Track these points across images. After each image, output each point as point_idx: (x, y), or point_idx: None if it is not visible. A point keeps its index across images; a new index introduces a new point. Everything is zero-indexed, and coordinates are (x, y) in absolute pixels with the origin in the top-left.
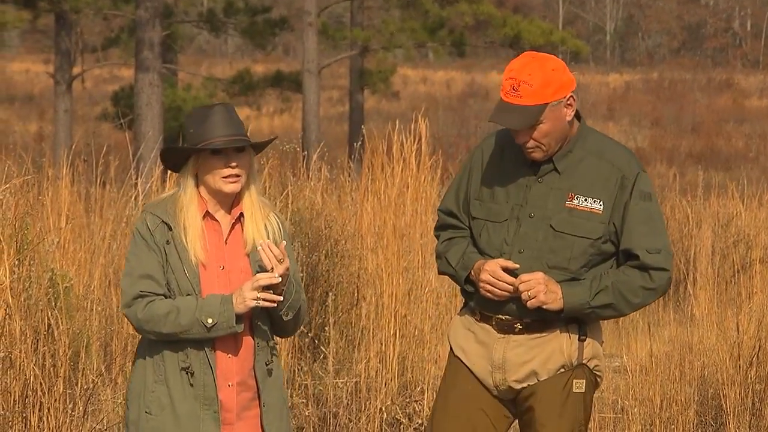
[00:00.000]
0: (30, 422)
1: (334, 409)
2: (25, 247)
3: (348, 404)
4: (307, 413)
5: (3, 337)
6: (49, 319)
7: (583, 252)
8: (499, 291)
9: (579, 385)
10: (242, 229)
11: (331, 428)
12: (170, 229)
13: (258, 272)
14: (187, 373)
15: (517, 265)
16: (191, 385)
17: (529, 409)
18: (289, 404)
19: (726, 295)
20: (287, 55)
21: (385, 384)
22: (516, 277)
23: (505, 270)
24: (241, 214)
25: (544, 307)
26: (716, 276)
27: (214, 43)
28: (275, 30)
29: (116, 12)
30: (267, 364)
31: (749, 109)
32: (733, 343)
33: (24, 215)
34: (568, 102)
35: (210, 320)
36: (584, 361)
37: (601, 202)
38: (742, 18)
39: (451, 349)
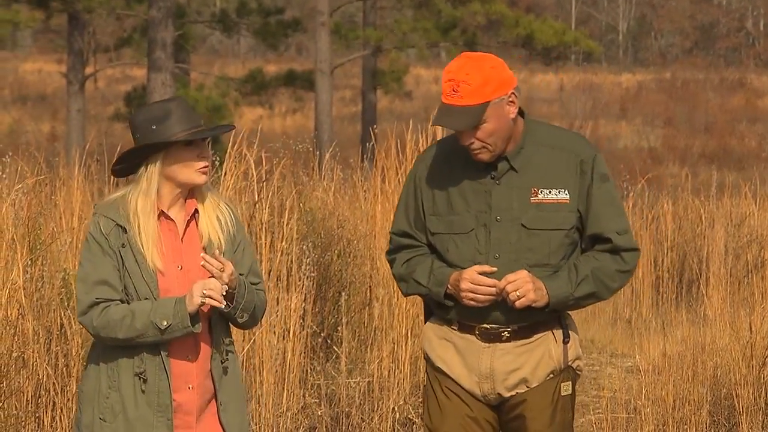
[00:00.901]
0: (43, 422)
1: (346, 409)
2: (38, 247)
3: (360, 404)
4: (319, 413)
5: (16, 337)
6: (61, 318)
7: (560, 244)
8: (483, 297)
9: (566, 388)
10: (197, 225)
11: (343, 428)
12: (125, 231)
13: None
14: (140, 379)
15: (494, 269)
16: (143, 391)
17: (519, 417)
18: (302, 404)
19: (739, 295)
20: (300, 55)
21: (398, 384)
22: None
23: (483, 275)
24: (196, 210)
25: (534, 305)
26: (729, 276)
27: (226, 43)
28: (288, 31)
29: (129, 12)
30: (223, 362)
31: (762, 109)
32: (746, 343)
33: (37, 215)
34: (510, 99)
35: (164, 322)
36: (569, 363)
37: (566, 191)
38: (755, 18)
39: (428, 359)
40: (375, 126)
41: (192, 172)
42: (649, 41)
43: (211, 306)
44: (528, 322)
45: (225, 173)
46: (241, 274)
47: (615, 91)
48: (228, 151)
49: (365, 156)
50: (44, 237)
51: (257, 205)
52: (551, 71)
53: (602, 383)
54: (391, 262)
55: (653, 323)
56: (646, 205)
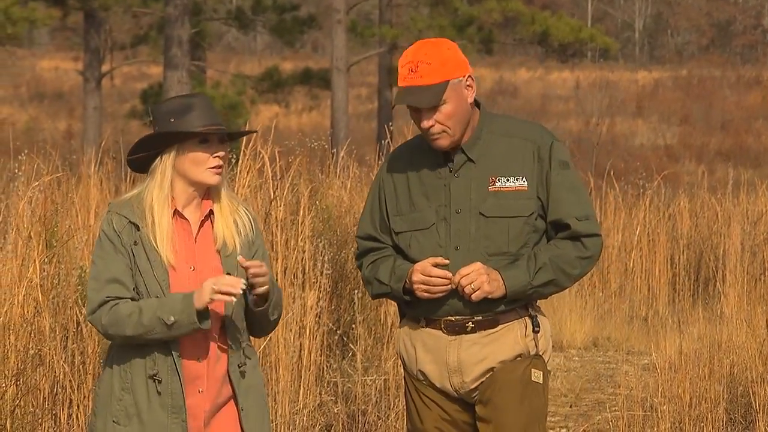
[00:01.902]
0: (60, 419)
1: (362, 407)
2: (54, 244)
3: (377, 401)
4: (335, 410)
5: (32, 335)
6: (78, 316)
7: (520, 231)
8: (436, 288)
9: (537, 376)
10: (212, 226)
11: (359, 426)
12: (138, 229)
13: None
14: (154, 381)
15: (447, 261)
16: (158, 393)
17: (488, 401)
18: (318, 401)
19: (755, 293)
20: (316, 53)
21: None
22: (449, 271)
23: (437, 266)
24: (211, 211)
25: (490, 296)
26: (745, 273)
27: (242, 40)
28: (304, 27)
29: (145, 10)
30: (240, 366)
31: None
32: (762, 341)
33: (53, 213)
34: (468, 83)
35: (171, 318)
36: (540, 353)
37: (524, 178)
38: None
39: (403, 363)
40: (391, 123)
41: (203, 170)
42: (665, 39)
43: (224, 308)
44: (492, 311)
45: (240, 171)
46: None
47: (631, 88)
48: (243, 148)
49: (381, 153)
50: (60, 234)
51: (273, 203)
52: (567, 68)
53: (618, 381)
54: (360, 267)
55: (669, 321)
56: (662, 202)
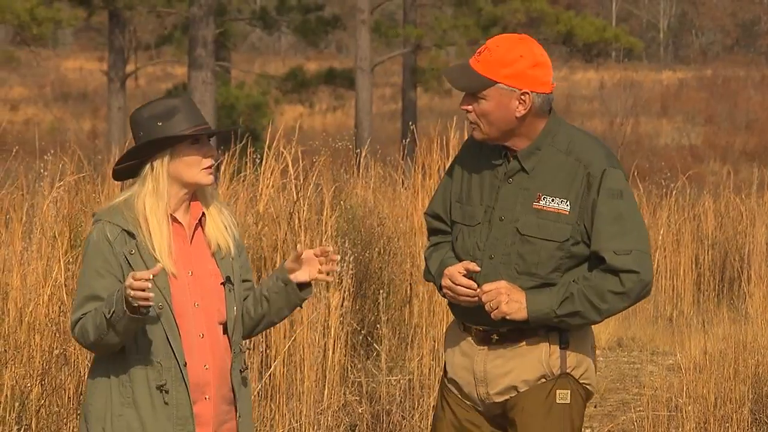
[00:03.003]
0: None
1: (387, 407)
2: (79, 244)
3: (401, 402)
4: (360, 410)
5: (57, 334)
6: None
7: (551, 256)
8: (461, 298)
9: (563, 396)
10: (202, 229)
11: (384, 426)
12: (133, 237)
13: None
14: (161, 392)
15: (478, 269)
16: (166, 403)
17: (511, 423)
18: (343, 401)
19: None
20: (340, 53)
21: (438, 382)
22: (478, 280)
23: (468, 274)
24: (203, 214)
25: (508, 317)
26: None
27: (267, 40)
28: (328, 28)
29: (170, 10)
30: (242, 372)
31: None
32: None
33: (78, 213)
34: (522, 98)
35: (108, 311)
36: (568, 371)
37: (568, 202)
38: None
39: (444, 369)
40: (414, 123)
41: (198, 171)
42: (689, 38)
43: (226, 311)
44: (516, 325)
45: (264, 171)
46: (248, 280)
47: (656, 88)
48: (267, 149)
49: (405, 153)
50: (85, 235)
51: (296, 204)
52: (592, 68)
53: (643, 381)
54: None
55: (694, 321)
56: (687, 202)
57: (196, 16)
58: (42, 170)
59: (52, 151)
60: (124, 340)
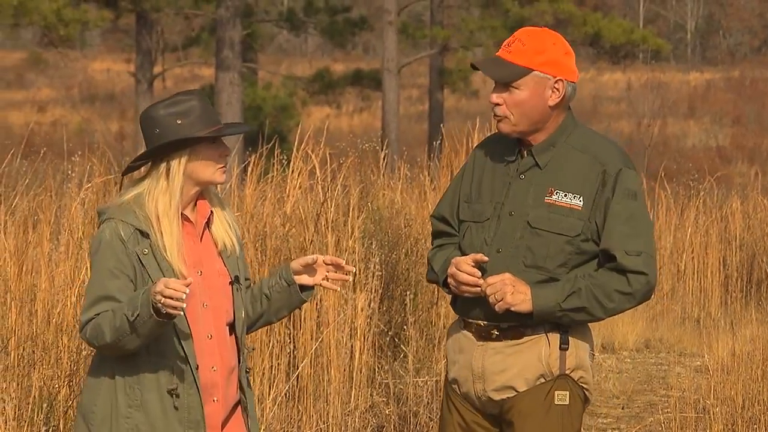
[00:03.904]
0: None
1: (414, 408)
2: None
3: (428, 403)
4: (387, 412)
5: None
6: None
7: (560, 250)
8: (463, 287)
9: (562, 397)
10: (209, 227)
11: (411, 427)
12: (146, 236)
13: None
14: (172, 396)
15: (486, 258)
16: (176, 408)
17: (509, 424)
18: (370, 403)
19: None
20: (367, 54)
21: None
22: (486, 273)
23: (477, 265)
24: (211, 212)
25: (513, 309)
26: None
27: (294, 42)
28: (355, 29)
29: (197, 11)
30: (247, 372)
31: None
32: None
33: None
34: (556, 85)
35: (134, 313)
36: (567, 372)
37: (581, 198)
38: None
39: (447, 369)
40: (443, 124)
41: (214, 170)
42: (717, 40)
43: (234, 311)
44: (518, 321)
45: (291, 172)
46: (248, 279)
47: (683, 89)
48: (294, 151)
49: (432, 155)
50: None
51: (323, 205)
52: (619, 70)
53: (671, 383)
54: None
55: (722, 322)
56: (714, 204)
57: (223, 17)
58: (70, 171)
59: (79, 153)
60: (145, 343)
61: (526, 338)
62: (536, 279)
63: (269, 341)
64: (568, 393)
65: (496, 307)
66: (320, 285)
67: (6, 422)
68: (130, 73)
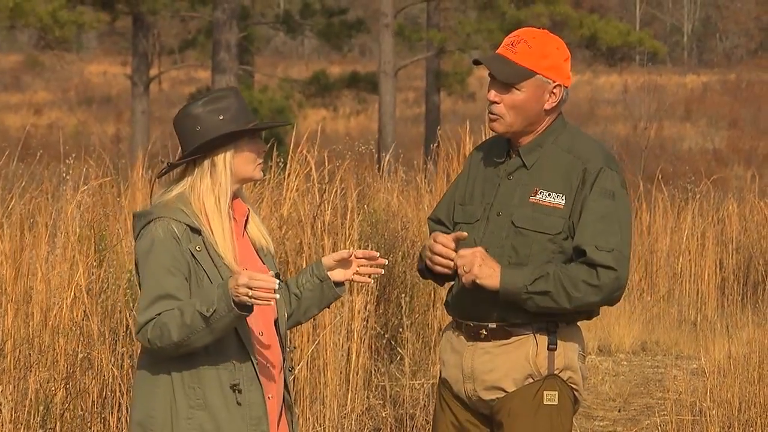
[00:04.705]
0: (108, 423)
1: (411, 411)
2: (103, 248)
3: (425, 406)
4: (383, 414)
5: (81, 338)
6: (127, 319)
7: (543, 249)
8: (438, 257)
9: (551, 398)
10: (246, 226)
11: (407, 429)
12: (199, 234)
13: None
14: (234, 391)
15: (465, 234)
16: (239, 403)
17: (499, 425)
18: (366, 405)
19: None
20: (363, 57)
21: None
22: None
23: (456, 240)
24: (249, 210)
25: (479, 282)
26: None
27: (290, 44)
28: (351, 31)
29: (193, 14)
30: (290, 371)
31: None
32: None
33: (102, 217)
34: (554, 90)
35: (210, 309)
36: (556, 372)
37: (563, 197)
38: None
39: (440, 369)
40: (439, 127)
41: (254, 166)
42: (713, 42)
43: (278, 308)
44: (507, 321)
45: (288, 174)
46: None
47: (679, 92)
48: (290, 153)
49: (428, 158)
50: (109, 238)
51: (320, 207)
52: (615, 72)
53: (667, 385)
54: None
55: (718, 325)
56: (711, 206)
57: (220, 20)
58: (66, 174)
59: (74, 155)
60: (216, 339)
61: (513, 338)
62: None
63: None
64: (557, 393)
65: (463, 279)
66: (352, 280)
67: (2, 425)
68: (127, 75)
